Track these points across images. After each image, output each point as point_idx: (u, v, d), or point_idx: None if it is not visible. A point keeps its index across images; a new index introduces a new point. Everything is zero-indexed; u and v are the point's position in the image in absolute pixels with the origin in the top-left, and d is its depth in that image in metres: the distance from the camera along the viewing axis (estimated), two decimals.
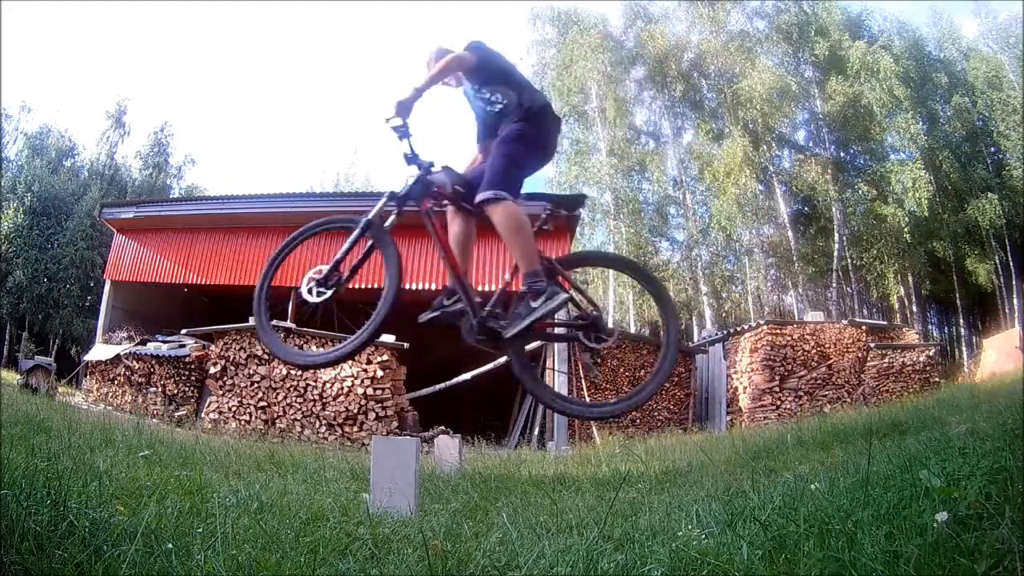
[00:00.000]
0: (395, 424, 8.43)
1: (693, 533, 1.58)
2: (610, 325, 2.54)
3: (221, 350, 9.08)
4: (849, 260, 21.53)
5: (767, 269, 23.02)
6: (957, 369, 16.37)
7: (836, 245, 21.52)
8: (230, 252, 11.64)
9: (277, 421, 8.59)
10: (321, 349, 8.09)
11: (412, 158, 2.71)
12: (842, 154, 23.12)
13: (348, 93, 69.50)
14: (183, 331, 10.09)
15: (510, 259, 2.58)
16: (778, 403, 10.10)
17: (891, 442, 3.12)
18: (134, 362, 9.99)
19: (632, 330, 20.07)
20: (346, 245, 2.60)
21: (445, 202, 2.76)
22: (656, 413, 10.84)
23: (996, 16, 22.02)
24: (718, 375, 11.72)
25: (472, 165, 2.87)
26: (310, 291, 2.50)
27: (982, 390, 6.76)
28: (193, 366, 9.60)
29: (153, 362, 9.82)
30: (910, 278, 21.34)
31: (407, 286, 10.82)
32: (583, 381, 10.49)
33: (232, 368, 9.01)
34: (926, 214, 19.61)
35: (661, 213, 24.06)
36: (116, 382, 10.07)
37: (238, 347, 9.03)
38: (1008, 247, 20.14)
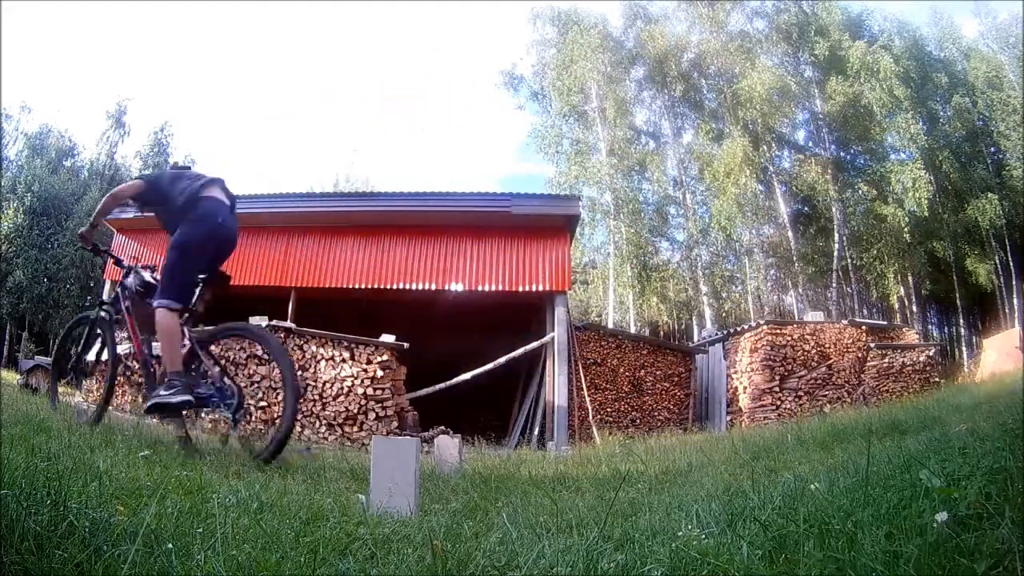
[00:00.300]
0: (395, 424, 8.42)
1: (693, 533, 1.58)
2: (245, 406, 3.42)
3: (221, 350, 9.08)
4: (849, 260, 21.54)
5: (767, 269, 23.03)
6: (957, 369, 16.38)
7: (836, 245, 21.53)
8: None
9: (277, 421, 8.58)
10: None
11: (117, 262, 3.77)
12: (842, 154, 23.13)
13: (348, 93, 69.52)
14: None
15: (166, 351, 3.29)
16: (778, 403, 10.09)
17: (891, 442, 3.12)
18: (134, 362, 9.98)
19: (632, 330, 20.07)
20: (82, 342, 3.88)
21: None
22: (656, 413, 10.84)
23: (996, 16, 22.08)
24: (718, 375, 11.72)
25: None
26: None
27: (982, 390, 6.76)
28: None
29: (153, 362, 9.81)
30: (910, 278, 21.36)
31: (408, 286, 10.85)
32: (583, 382, 10.49)
33: (232, 368, 9.01)
34: (926, 214, 19.63)
35: (661, 213, 24.08)
36: (116, 382, 10.07)
37: (238, 347, 9.03)
38: (1008, 247, 20.16)
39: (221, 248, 3.40)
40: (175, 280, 3.21)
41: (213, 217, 3.28)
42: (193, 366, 3.29)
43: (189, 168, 3.76)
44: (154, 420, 3.51)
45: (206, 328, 3.49)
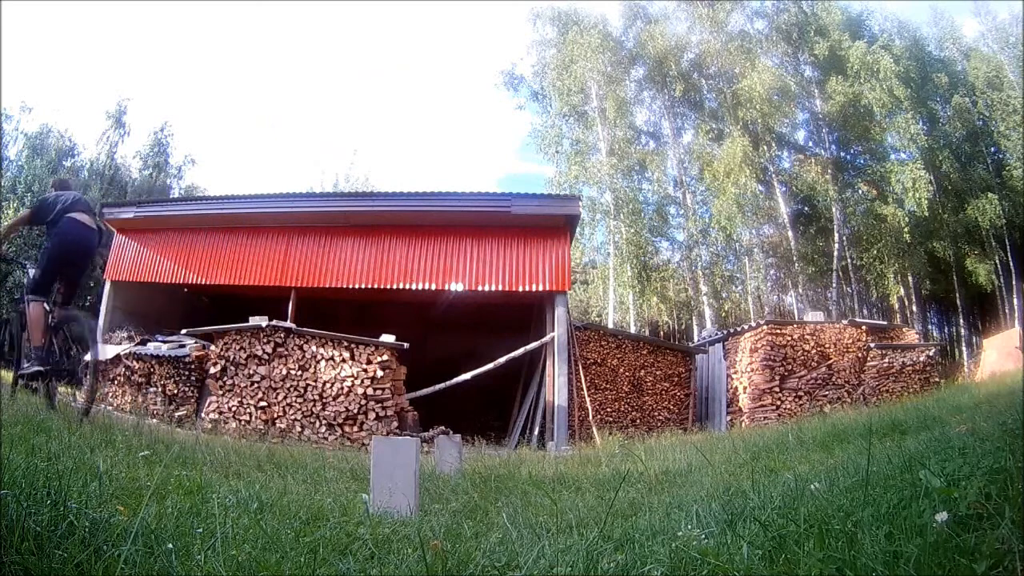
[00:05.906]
0: (395, 424, 8.42)
1: (693, 533, 1.58)
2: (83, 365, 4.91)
3: (221, 350, 9.08)
4: (849, 260, 21.53)
5: (767, 269, 23.03)
6: (957, 369, 16.38)
7: (836, 245, 21.52)
8: (230, 252, 11.64)
9: (277, 421, 8.59)
10: None
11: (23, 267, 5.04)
12: (842, 154, 23.12)
13: (348, 93, 69.55)
14: (183, 331, 10.08)
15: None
16: (778, 403, 10.09)
17: (891, 442, 3.12)
18: (134, 362, 9.98)
19: (632, 330, 20.07)
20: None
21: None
22: (656, 413, 10.84)
23: (996, 16, 22.05)
24: (718, 375, 11.72)
25: None
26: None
27: (982, 390, 6.76)
28: (193, 366, 9.59)
29: (153, 362, 9.81)
30: (910, 278, 21.34)
31: (408, 286, 10.85)
32: (583, 382, 10.49)
33: (232, 368, 9.01)
34: (926, 214, 19.61)
35: (661, 213, 24.05)
36: (116, 382, 10.07)
37: (238, 347, 9.03)
38: (1008, 247, 20.15)
39: (80, 253, 4.70)
40: (37, 278, 4.51)
41: (70, 233, 4.47)
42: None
43: (67, 183, 5.05)
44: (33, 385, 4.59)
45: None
